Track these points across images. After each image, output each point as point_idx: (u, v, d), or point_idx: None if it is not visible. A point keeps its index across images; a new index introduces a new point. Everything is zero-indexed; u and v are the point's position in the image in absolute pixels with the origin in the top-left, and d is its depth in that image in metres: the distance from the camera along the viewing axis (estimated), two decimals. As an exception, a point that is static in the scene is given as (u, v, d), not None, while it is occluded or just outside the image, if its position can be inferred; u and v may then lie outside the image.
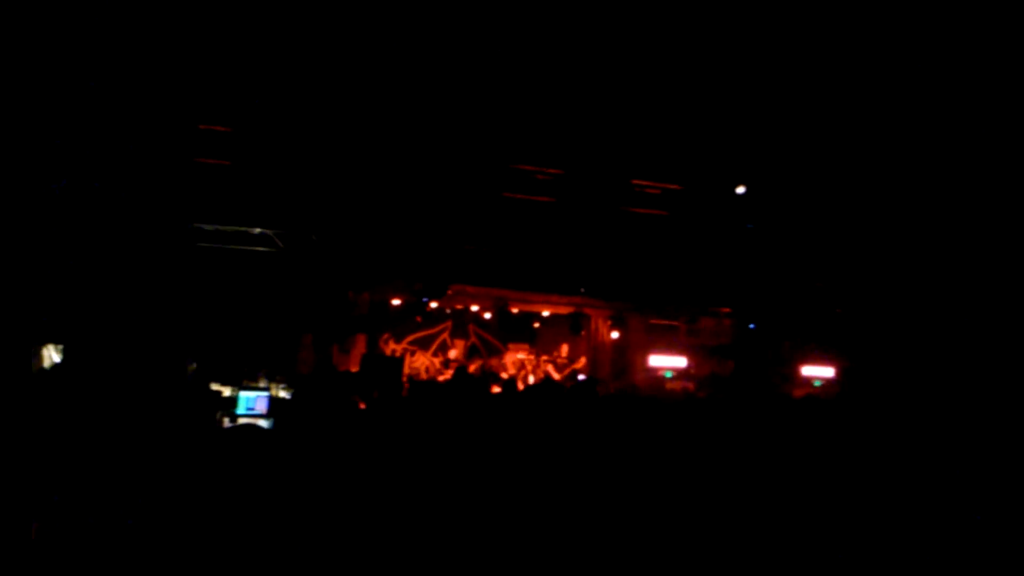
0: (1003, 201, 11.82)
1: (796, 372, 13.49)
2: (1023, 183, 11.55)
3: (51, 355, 10.48)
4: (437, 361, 15.97)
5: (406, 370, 14.81)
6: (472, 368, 15.37)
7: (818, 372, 13.34)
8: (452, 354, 15.85)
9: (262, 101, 10.75)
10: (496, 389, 11.13)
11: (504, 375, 15.34)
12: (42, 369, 10.16)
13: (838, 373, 13.29)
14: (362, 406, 10.95)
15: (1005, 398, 10.22)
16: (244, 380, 10.58)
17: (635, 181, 11.92)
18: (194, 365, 10.66)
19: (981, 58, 10.33)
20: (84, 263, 10.25)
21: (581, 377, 14.88)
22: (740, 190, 11.94)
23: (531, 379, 15.47)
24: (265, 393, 10.78)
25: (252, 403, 10.45)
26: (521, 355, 16.20)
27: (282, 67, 10.53)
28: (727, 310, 13.96)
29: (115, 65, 9.92)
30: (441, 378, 14.37)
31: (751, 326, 13.61)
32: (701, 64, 10.47)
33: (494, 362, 16.14)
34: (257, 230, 11.42)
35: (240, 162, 10.96)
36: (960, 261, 12.26)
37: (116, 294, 10.34)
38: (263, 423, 10.36)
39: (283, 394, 11.26)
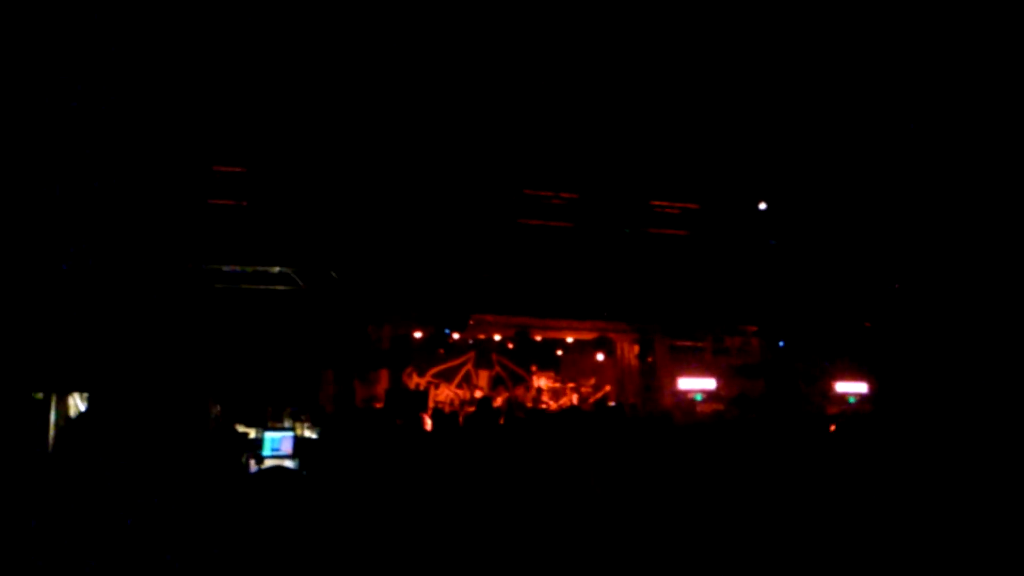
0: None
1: (829, 389, 13.19)
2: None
3: (76, 403, 10.43)
4: (462, 393, 15.80)
5: (431, 403, 14.65)
6: (499, 400, 15.18)
7: (851, 388, 13.04)
8: (478, 394, 15.62)
9: (276, 140, 10.77)
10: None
11: (530, 404, 15.13)
12: (68, 417, 10.13)
13: (872, 388, 12.99)
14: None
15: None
16: (269, 421, 10.49)
17: (653, 202, 11.80)
18: (219, 408, 10.57)
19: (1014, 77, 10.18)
20: (104, 310, 10.25)
21: (611, 404, 14.65)
22: (762, 206, 11.76)
23: (557, 407, 15.25)
24: (290, 433, 10.68)
25: (278, 444, 10.34)
26: (547, 383, 15.99)
27: (295, 104, 10.54)
28: (754, 328, 13.72)
29: (128, 109, 9.98)
30: (462, 412, 14.19)
31: (780, 344, 13.36)
32: (715, 78, 10.37)
33: (520, 391, 15.93)
34: (276, 269, 11.38)
35: (256, 202, 10.97)
36: (990, 270, 11.99)
37: (137, 340, 10.32)
38: (289, 463, 10.24)
39: (308, 433, 11.14)
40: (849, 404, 12.88)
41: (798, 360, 13.36)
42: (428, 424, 11.10)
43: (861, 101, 10.97)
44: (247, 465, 10.23)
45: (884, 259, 12.50)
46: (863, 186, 11.82)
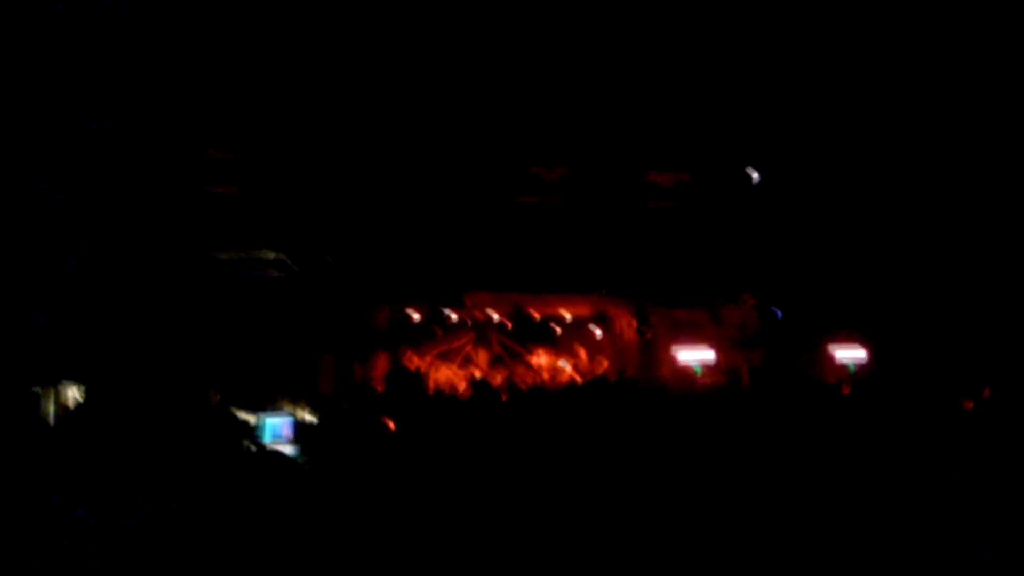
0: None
1: (828, 357, 13.19)
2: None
3: (74, 394, 10.42)
4: (462, 373, 15.78)
5: (431, 385, 14.65)
6: (498, 379, 15.19)
7: (851, 356, 13.04)
8: (477, 374, 15.59)
9: (267, 124, 10.69)
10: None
11: (529, 381, 15.14)
12: (67, 408, 10.12)
13: (871, 355, 12.99)
14: (391, 426, 10.82)
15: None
16: (267, 405, 10.48)
17: (648, 174, 11.75)
18: (218, 395, 10.56)
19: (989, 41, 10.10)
20: (101, 300, 10.22)
21: (610, 379, 14.64)
22: (754, 175, 11.71)
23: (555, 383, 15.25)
24: (290, 418, 10.67)
25: (278, 429, 10.34)
26: (545, 360, 15.99)
27: (286, 87, 10.45)
28: (751, 299, 13.70)
29: (121, 96, 9.90)
30: (460, 393, 14.20)
31: (777, 313, 13.34)
32: (703, 44, 10.28)
33: (519, 369, 15.94)
34: (271, 255, 11.34)
35: (249, 188, 10.90)
36: (990, 242, 11.97)
37: (135, 330, 10.30)
38: (290, 448, 10.24)
39: (308, 417, 11.14)
40: (849, 373, 12.87)
41: (796, 328, 13.35)
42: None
43: (855, 70, 10.89)
44: (247, 451, 10.20)
45: (881, 228, 12.47)
46: (859, 154, 11.76)
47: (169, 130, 10.40)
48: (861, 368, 12.95)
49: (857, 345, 13.00)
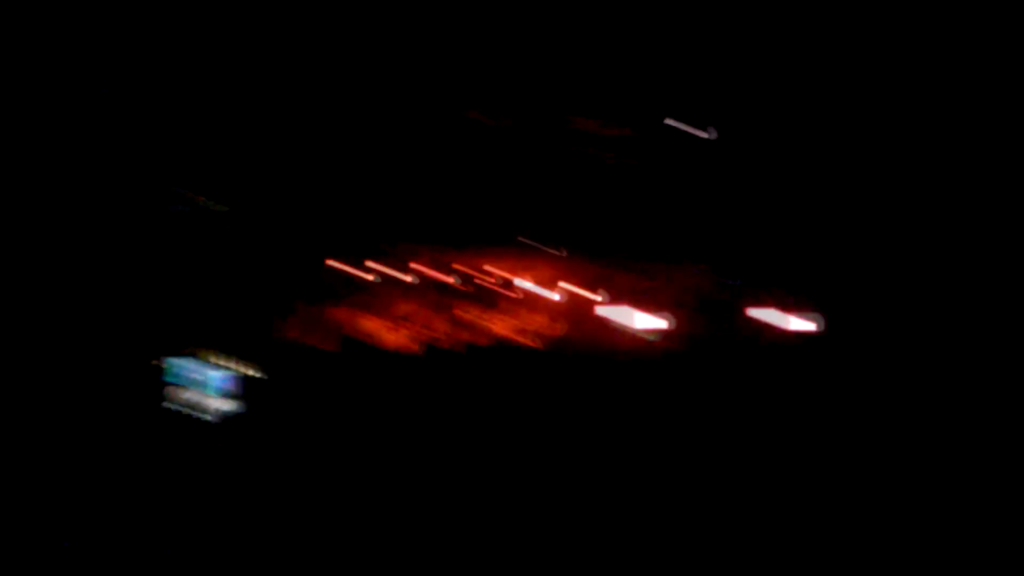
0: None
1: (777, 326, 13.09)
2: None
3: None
4: (418, 336, 15.55)
5: (385, 346, 14.43)
6: (454, 342, 14.99)
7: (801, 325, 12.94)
8: (433, 337, 15.39)
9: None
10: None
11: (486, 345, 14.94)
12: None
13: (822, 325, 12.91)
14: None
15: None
16: (187, 354, 10.24)
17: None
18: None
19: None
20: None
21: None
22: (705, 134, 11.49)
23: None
24: (230, 372, 10.44)
25: (222, 383, 10.09)
26: (501, 324, 15.76)
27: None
28: (705, 266, 13.57)
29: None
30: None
31: (732, 281, 13.26)
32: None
33: (477, 334, 15.73)
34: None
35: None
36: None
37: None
38: (225, 404, 9.99)
39: (247, 372, 10.90)
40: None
41: (748, 297, 13.28)
42: None
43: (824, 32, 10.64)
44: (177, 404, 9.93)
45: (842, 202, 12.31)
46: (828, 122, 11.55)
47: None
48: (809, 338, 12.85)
49: (807, 314, 12.88)
